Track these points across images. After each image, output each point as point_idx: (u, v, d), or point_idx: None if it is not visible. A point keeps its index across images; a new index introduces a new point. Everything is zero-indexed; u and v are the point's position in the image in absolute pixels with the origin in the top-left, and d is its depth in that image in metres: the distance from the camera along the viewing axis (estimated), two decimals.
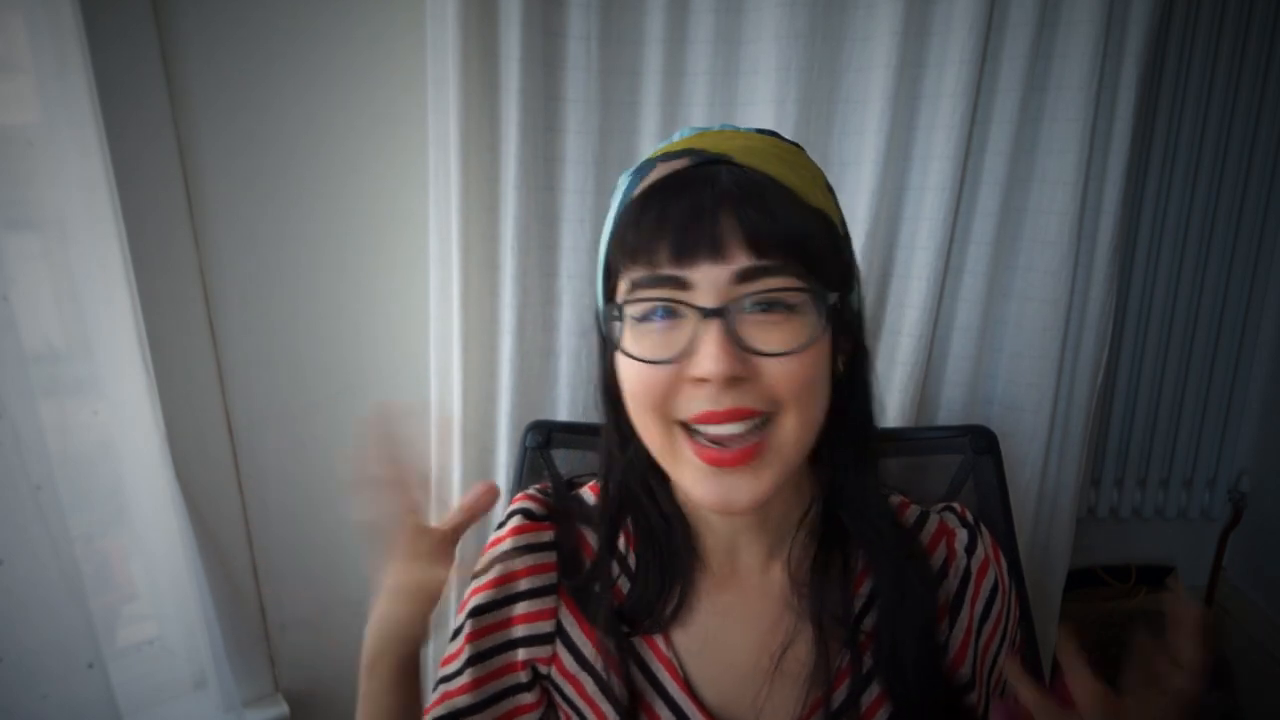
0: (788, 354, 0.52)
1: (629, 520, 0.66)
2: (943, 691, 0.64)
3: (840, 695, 0.63)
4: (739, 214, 0.52)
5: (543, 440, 0.98)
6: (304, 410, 1.17)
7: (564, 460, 0.98)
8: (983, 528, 0.69)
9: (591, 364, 1.15)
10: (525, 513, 0.68)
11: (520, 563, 0.66)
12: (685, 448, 0.55)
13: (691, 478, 0.56)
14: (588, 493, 0.71)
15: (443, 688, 0.67)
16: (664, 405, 0.54)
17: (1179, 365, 1.62)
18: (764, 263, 0.52)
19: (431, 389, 1.16)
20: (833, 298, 0.54)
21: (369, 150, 1.11)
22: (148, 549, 1.18)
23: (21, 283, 0.99)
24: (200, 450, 1.10)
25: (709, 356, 0.51)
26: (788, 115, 1.04)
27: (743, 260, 0.52)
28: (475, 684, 0.66)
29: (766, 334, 0.52)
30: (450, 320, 1.11)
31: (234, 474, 1.14)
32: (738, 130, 0.61)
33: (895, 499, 0.70)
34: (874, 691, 0.63)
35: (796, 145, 0.62)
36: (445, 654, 0.69)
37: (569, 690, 0.66)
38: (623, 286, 0.56)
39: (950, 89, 1.04)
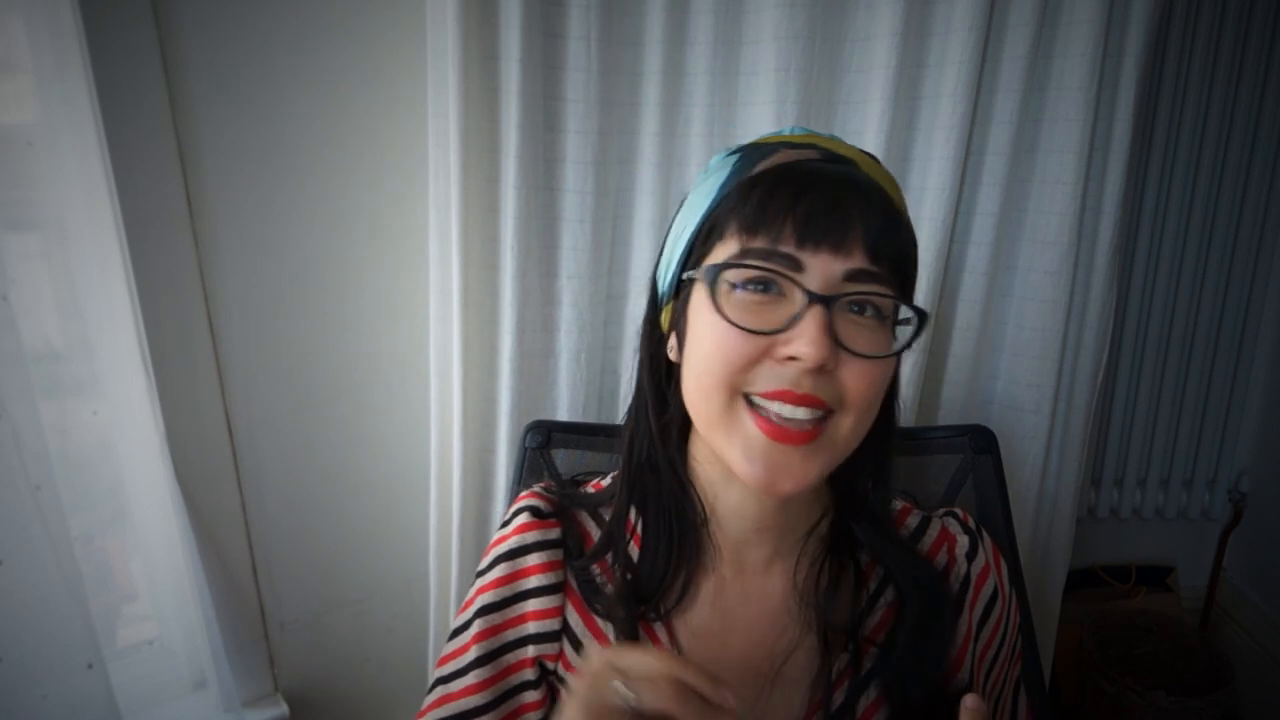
0: (874, 357, 0.54)
1: (641, 501, 0.66)
2: (940, 697, 0.63)
3: (839, 698, 0.63)
4: (866, 217, 0.54)
5: (543, 440, 0.98)
6: (304, 410, 1.17)
7: (564, 460, 0.98)
8: (984, 534, 0.69)
9: (592, 364, 1.15)
10: (532, 510, 0.68)
11: (530, 560, 0.66)
12: (747, 418, 0.55)
13: (744, 450, 0.56)
14: (591, 490, 0.71)
15: (441, 689, 0.66)
16: (739, 375, 0.55)
17: (1179, 365, 1.61)
18: (876, 268, 0.54)
19: (431, 389, 1.16)
20: (920, 312, 0.56)
21: (369, 150, 1.11)
22: (148, 549, 1.18)
23: (21, 283, 0.99)
24: (200, 450, 1.10)
25: (809, 340, 0.52)
26: (788, 116, 1.04)
27: (859, 260, 0.54)
28: (483, 684, 0.65)
29: (857, 333, 0.54)
30: (450, 320, 1.11)
31: (234, 474, 1.14)
32: (842, 141, 0.62)
33: (897, 504, 0.70)
34: (871, 694, 0.63)
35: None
36: (444, 653, 0.68)
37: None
38: (724, 251, 0.56)
39: (950, 89, 1.04)
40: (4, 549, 0.93)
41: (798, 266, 0.54)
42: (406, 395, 1.22)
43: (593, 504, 0.69)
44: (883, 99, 1.04)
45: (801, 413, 0.54)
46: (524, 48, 1.00)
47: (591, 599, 0.65)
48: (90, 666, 1.00)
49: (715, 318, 0.55)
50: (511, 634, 0.66)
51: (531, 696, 0.66)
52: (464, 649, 0.66)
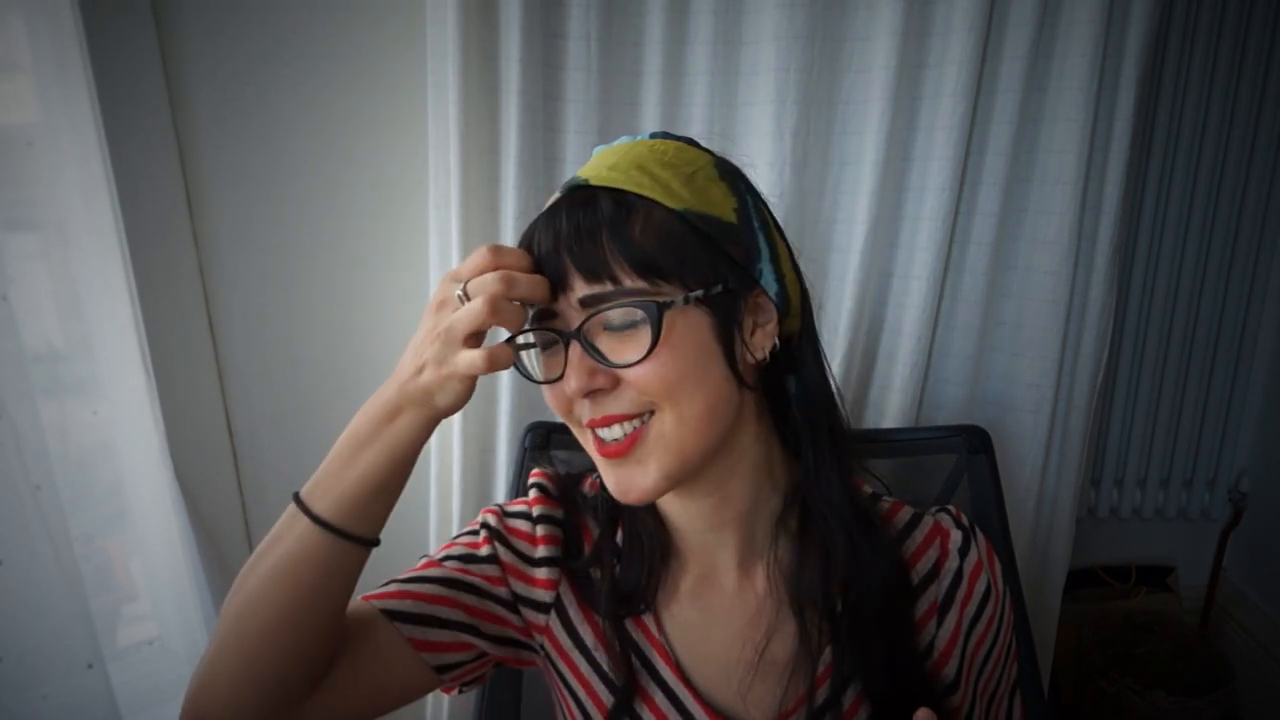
0: (634, 364, 0.56)
1: (623, 516, 0.70)
2: (921, 691, 0.64)
3: (824, 692, 0.64)
4: (570, 252, 0.57)
5: (542, 441, 0.98)
6: (303, 410, 1.17)
7: (564, 461, 0.98)
8: (978, 531, 0.69)
9: None
10: (541, 488, 0.72)
11: (540, 530, 0.70)
12: (591, 442, 0.61)
13: (602, 471, 0.62)
14: (588, 488, 0.73)
15: (464, 540, 0.71)
16: (570, 415, 0.61)
17: (1179, 365, 1.61)
18: (595, 290, 0.57)
19: None
20: (685, 296, 0.57)
21: (369, 150, 1.12)
22: (148, 549, 1.18)
23: (21, 283, 0.99)
24: (200, 450, 1.10)
25: (568, 375, 0.58)
26: (788, 115, 1.04)
27: (581, 290, 0.57)
28: (492, 559, 0.69)
29: (621, 346, 0.57)
30: None
31: (234, 474, 1.14)
32: (633, 141, 0.63)
33: (887, 500, 0.70)
34: (855, 690, 0.64)
35: (686, 141, 0.63)
36: (455, 538, 0.73)
37: (563, 667, 0.69)
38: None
39: (950, 89, 1.04)
40: (4, 549, 0.94)
41: (554, 315, 0.59)
42: None
43: (590, 505, 0.72)
44: (883, 99, 1.04)
45: (615, 430, 0.59)
46: (524, 48, 1.00)
47: (585, 594, 0.69)
48: (90, 666, 1.00)
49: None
50: (506, 572, 0.69)
51: (505, 614, 0.69)
52: (485, 540, 0.69)
